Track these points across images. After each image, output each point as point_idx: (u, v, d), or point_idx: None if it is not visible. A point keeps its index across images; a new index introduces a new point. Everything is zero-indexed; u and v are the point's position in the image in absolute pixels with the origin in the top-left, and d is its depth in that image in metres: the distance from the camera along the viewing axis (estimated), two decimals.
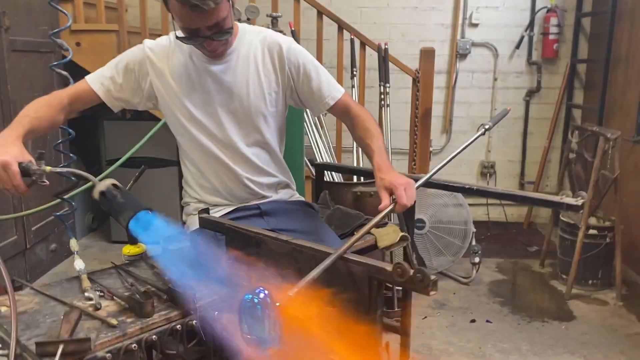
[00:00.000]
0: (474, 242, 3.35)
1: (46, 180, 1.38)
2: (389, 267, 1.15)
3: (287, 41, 1.69)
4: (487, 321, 2.81)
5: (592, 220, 3.21)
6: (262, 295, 0.97)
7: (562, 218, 3.28)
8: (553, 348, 2.54)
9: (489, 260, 3.64)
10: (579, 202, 1.72)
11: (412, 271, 1.11)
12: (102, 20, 3.42)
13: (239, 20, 2.87)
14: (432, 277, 1.09)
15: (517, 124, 4.44)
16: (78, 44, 3.38)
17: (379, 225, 2.10)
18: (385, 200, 1.42)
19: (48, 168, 1.38)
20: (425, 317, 2.84)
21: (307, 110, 1.88)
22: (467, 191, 1.89)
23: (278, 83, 1.70)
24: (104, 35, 3.39)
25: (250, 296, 0.97)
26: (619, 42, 3.70)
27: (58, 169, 1.47)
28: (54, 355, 1.16)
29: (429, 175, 1.65)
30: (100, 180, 1.44)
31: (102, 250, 3.69)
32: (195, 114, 1.67)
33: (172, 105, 1.69)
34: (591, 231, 3.11)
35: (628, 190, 3.39)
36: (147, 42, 1.70)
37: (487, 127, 1.84)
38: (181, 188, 1.94)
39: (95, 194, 1.43)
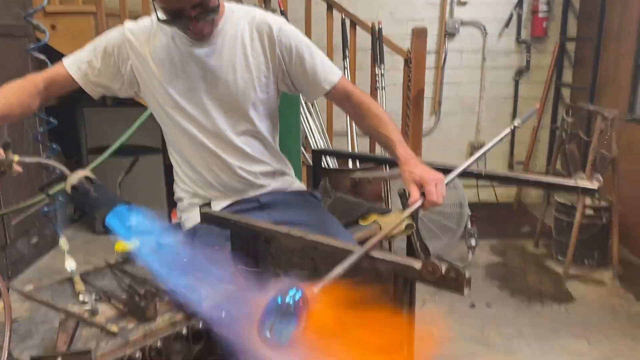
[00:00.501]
0: (469, 225, 3.31)
1: (19, 169, 1.30)
2: (417, 265, 1.06)
3: (277, 22, 1.56)
4: (487, 305, 2.77)
5: (587, 201, 3.18)
6: (297, 296, 0.87)
7: (557, 199, 3.25)
8: (556, 331, 2.52)
9: (483, 242, 3.60)
10: (595, 185, 1.67)
11: (444, 269, 1.03)
12: (78, 2, 3.24)
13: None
14: (467, 275, 1.02)
15: (506, 103, 4.39)
16: (53, 27, 3.20)
17: (382, 212, 2.03)
18: (415, 194, 1.32)
19: (16, 157, 1.29)
20: (424, 302, 2.78)
21: (302, 95, 1.74)
22: (487, 178, 1.78)
23: (268, 67, 1.57)
24: (81, 17, 3.22)
25: (282, 297, 0.87)
26: (610, 20, 3.66)
27: (27, 159, 1.35)
28: None
29: (459, 171, 1.50)
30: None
31: (86, 242, 3.54)
32: (180, 102, 1.55)
33: (154, 92, 1.57)
34: (587, 211, 3.08)
35: (621, 170, 3.37)
36: (128, 23, 1.57)
37: (516, 124, 1.72)
38: (167, 177, 1.82)
39: (67, 188, 1.31)
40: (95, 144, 3.57)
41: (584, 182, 1.67)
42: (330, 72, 1.57)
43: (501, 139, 1.75)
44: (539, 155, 4.49)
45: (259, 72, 1.55)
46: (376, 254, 1.12)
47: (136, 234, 1.34)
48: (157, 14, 1.42)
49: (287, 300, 0.89)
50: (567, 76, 4.30)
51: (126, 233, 1.32)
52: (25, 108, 1.49)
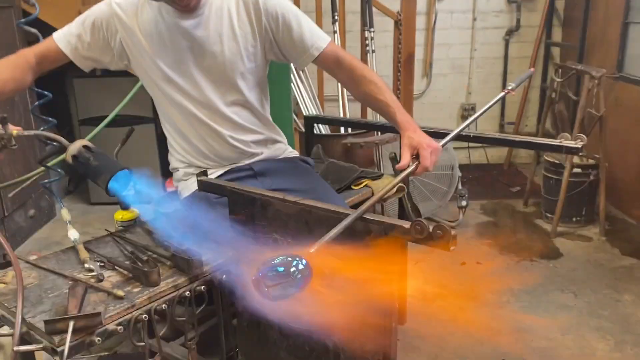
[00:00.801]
0: (460, 187, 3.37)
1: (15, 143, 1.33)
2: (406, 225, 1.12)
3: None
4: (478, 263, 2.86)
5: (575, 159, 3.24)
6: (301, 266, 0.92)
7: (546, 158, 3.31)
8: (544, 286, 2.61)
9: (474, 203, 3.68)
10: (579, 144, 1.72)
11: (431, 227, 1.09)
12: None
13: None
14: (453, 232, 1.07)
15: (497, 64, 4.40)
16: None
17: (374, 177, 2.09)
18: (406, 159, 1.37)
19: (15, 131, 1.33)
20: (417, 262, 2.86)
21: (291, 63, 1.75)
22: (463, 139, 1.83)
23: (255, 37, 1.58)
24: None
25: (285, 267, 0.92)
26: None
27: (26, 132, 1.38)
28: (65, 332, 1.12)
29: (453, 135, 1.53)
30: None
31: (82, 213, 3.59)
32: (169, 74, 1.57)
33: (144, 65, 1.58)
34: (575, 170, 3.15)
35: (608, 128, 3.42)
36: None
37: (510, 87, 1.75)
38: (160, 146, 1.85)
39: (68, 158, 1.35)
40: (86, 114, 3.57)
41: (568, 142, 1.72)
42: (318, 37, 1.57)
43: (495, 102, 1.79)
44: (530, 115, 4.54)
45: (246, 42, 1.56)
46: (369, 215, 1.17)
47: (138, 197, 1.39)
48: None
49: (291, 270, 0.93)
50: (557, 35, 4.31)
51: (128, 198, 1.37)
52: (19, 83, 1.51)
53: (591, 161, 3.19)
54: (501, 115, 4.53)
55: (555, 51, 4.32)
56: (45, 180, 2.35)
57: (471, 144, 4.42)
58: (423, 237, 1.11)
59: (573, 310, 2.40)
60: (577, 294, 2.53)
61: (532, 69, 2.04)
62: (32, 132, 1.43)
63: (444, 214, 3.46)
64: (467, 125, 1.62)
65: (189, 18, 1.52)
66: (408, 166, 1.38)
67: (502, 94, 1.81)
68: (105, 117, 2.99)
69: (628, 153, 3.34)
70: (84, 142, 1.36)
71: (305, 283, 0.94)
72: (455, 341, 2.22)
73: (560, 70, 3.40)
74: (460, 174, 3.35)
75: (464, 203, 3.33)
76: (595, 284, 2.61)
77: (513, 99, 4.44)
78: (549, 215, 3.29)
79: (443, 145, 1.46)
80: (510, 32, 4.29)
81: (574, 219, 3.24)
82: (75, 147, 1.34)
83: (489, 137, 1.93)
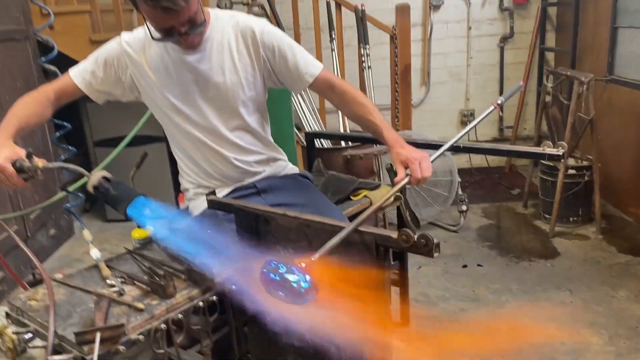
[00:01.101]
0: (459, 191, 3.49)
1: (40, 174, 1.45)
2: (394, 235, 1.25)
3: (259, 24, 1.70)
4: (478, 265, 2.97)
5: (571, 161, 3.36)
6: (305, 283, 1.07)
7: (542, 160, 3.41)
8: (541, 284, 2.72)
9: (475, 206, 3.80)
10: (560, 151, 1.84)
11: (416, 237, 1.21)
12: (73, 2, 3.37)
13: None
14: (435, 240, 1.20)
15: (493, 70, 4.53)
16: (51, 27, 3.34)
17: (372, 187, 2.22)
18: (402, 173, 1.51)
19: (40, 164, 1.45)
20: (420, 267, 2.99)
21: (288, 89, 1.89)
22: (453, 149, 1.96)
23: (254, 67, 1.72)
24: (77, 16, 3.36)
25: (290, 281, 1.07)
26: None
27: (50, 165, 1.53)
28: (92, 342, 1.26)
29: (445, 148, 1.68)
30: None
31: (99, 230, 3.75)
32: (177, 104, 1.71)
33: (153, 96, 1.73)
34: (570, 171, 3.26)
35: (602, 129, 3.53)
36: (124, 35, 1.72)
37: (499, 101, 1.88)
38: (171, 164, 2.00)
39: (90, 188, 1.50)
40: (100, 136, 3.74)
41: (550, 150, 1.84)
42: (312, 65, 1.71)
43: (486, 116, 1.92)
44: (528, 119, 4.65)
45: (245, 73, 1.70)
46: (362, 227, 1.30)
47: (153, 220, 1.54)
48: (150, 32, 1.56)
49: (293, 283, 1.08)
50: (551, 40, 4.42)
51: (145, 220, 1.52)
52: (41, 117, 1.66)
53: (585, 162, 3.30)
54: (500, 119, 4.64)
55: (550, 56, 4.43)
56: (68, 204, 2.50)
57: None
58: (409, 246, 1.23)
59: (569, 307, 2.51)
60: (573, 292, 2.64)
61: (521, 83, 2.16)
62: (56, 165, 1.58)
63: (446, 218, 3.57)
64: (458, 140, 1.76)
65: (193, 53, 1.66)
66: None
67: (492, 108, 1.94)
68: (119, 137, 3.15)
69: (623, 153, 3.44)
70: (103, 173, 1.51)
71: (307, 298, 1.08)
72: (456, 341, 2.33)
73: (551, 75, 3.52)
74: (459, 179, 3.47)
75: (464, 207, 3.45)
76: (591, 282, 2.72)
77: (511, 103, 4.56)
78: (547, 216, 3.40)
79: (433, 161, 1.58)
80: (504, 39, 4.42)
81: (572, 219, 3.35)
82: (95, 178, 1.48)
83: (477, 148, 2.06)
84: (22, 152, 1.44)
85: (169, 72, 1.68)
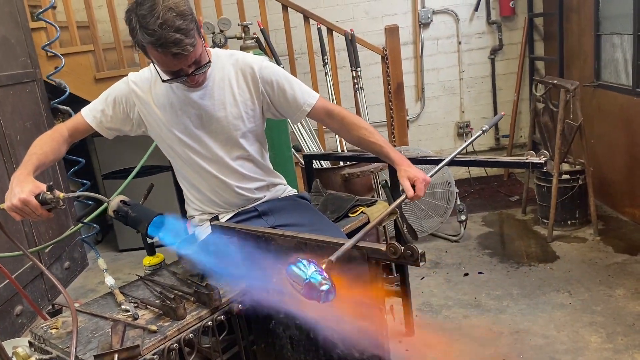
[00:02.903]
0: (458, 202, 3.58)
1: (62, 204, 1.56)
2: (383, 248, 1.35)
3: (258, 61, 1.84)
4: (479, 273, 3.05)
5: (565, 166, 3.45)
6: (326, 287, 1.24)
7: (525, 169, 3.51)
8: (541, 288, 2.79)
9: (475, 215, 3.89)
10: (542, 160, 1.94)
11: (402, 248, 1.32)
12: (76, 42, 3.52)
13: (213, 34, 3.02)
14: (420, 250, 1.30)
15: (486, 82, 4.65)
16: (57, 68, 3.50)
17: (369, 204, 2.32)
18: (410, 189, 1.68)
19: (61, 195, 1.56)
20: (423, 277, 3.07)
21: (287, 119, 2.03)
22: (455, 164, 2.10)
23: (253, 101, 1.85)
24: (81, 56, 3.50)
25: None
26: None
27: (70, 195, 1.65)
28: None
29: (440, 167, 1.87)
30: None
31: (112, 259, 3.86)
32: (182, 138, 1.83)
33: (159, 132, 1.85)
34: (564, 176, 3.35)
35: (594, 133, 3.63)
36: (131, 75, 1.85)
37: (484, 129, 2.04)
38: (177, 191, 2.12)
39: (110, 213, 1.62)
40: (108, 169, 3.88)
41: (532, 159, 1.95)
42: (309, 95, 1.85)
43: (471, 142, 2.05)
44: (523, 126, 4.74)
45: (245, 107, 1.83)
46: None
47: (172, 235, 1.65)
48: (159, 75, 1.69)
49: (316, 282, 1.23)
50: (540, 49, 4.54)
51: (167, 236, 1.63)
52: (57, 154, 1.78)
53: (579, 167, 3.39)
54: (495, 128, 4.74)
55: (540, 64, 4.55)
56: (84, 236, 2.62)
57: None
58: (397, 257, 1.33)
59: (568, 308, 2.59)
60: (572, 293, 2.71)
61: (502, 113, 2.34)
62: (76, 194, 1.70)
63: (447, 229, 3.66)
64: (449, 161, 1.91)
65: (196, 90, 1.79)
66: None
67: (479, 133, 2.08)
68: (125, 169, 3.27)
69: (615, 155, 3.53)
70: (121, 197, 1.62)
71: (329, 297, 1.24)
72: (459, 347, 2.41)
73: (539, 84, 3.63)
74: (457, 190, 3.56)
75: (463, 217, 3.54)
76: (589, 282, 2.79)
77: (505, 112, 4.64)
78: (545, 221, 3.48)
79: (431, 176, 1.75)
80: (494, 51, 4.54)
81: (569, 222, 3.43)
82: (115, 203, 1.60)
83: (466, 160, 2.17)
84: (43, 186, 1.55)
85: (174, 108, 1.80)
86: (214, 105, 1.80)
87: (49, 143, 1.76)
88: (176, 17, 1.53)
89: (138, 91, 1.82)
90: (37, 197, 1.52)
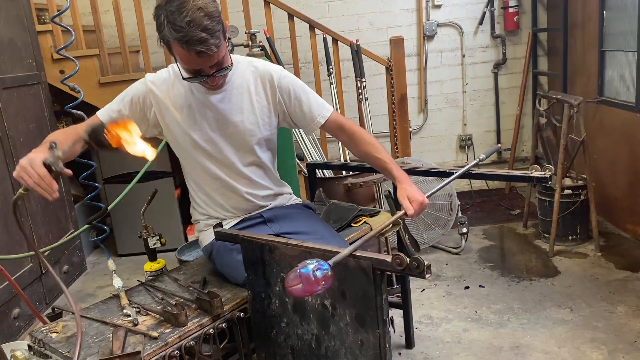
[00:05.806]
0: (459, 214, 3.58)
1: (65, 169, 1.43)
2: (388, 259, 1.35)
3: (277, 70, 1.87)
4: (480, 286, 3.04)
5: (567, 181, 3.45)
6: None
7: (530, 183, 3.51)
8: (542, 303, 2.78)
9: (476, 228, 3.88)
10: (547, 174, 1.94)
11: (408, 260, 1.31)
12: (82, 46, 3.53)
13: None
14: (426, 262, 1.29)
15: (489, 95, 4.66)
16: (62, 72, 3.51)
17: (372, 214, 2.32)
18: (410, 207, 1.68)
19: (60, 154, 1.44)
20: (423, 289, 3.06)
21: (301, 129, 2.05)
22: (443, 175, 2.11)
23: (270, 109, 1.87)
24: (86, 60, 3.51)
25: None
26: (574, 9, 3.92)
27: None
28: None
29: (439, 187, 1.90)
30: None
31: None
32: (197, 140, 1.84)
33: (175, 133, 1.86)
34: (566, 191, 3.35)
35: (597, 148, 3.64)
36: (149, 76, 1.86)
37: (481, 158, 2.05)
38: (180, 196, 2.12)
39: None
40: (110, 174, 3.87)
41: (537, 173, 1.95)
42: (323, 108, 1.89)
43: (467, 170, 2.05)
44: (525, 140, 4.75)
45: (262, 114, 1.86)
46: (358, 252, 1.40)
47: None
48: (180, 72, 1.70)
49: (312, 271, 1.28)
50: (543, 64, 4.56)
51: None
52: (71, 147, 1.70)
53: (581, 182, 3.39)
54: (498, 143, 4.74)
55: (543, 79, 4.56)
56: (95, 238, 2.61)
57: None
58: (403, 268, 1.33)
59: (569, 324, 2.57)
60: (573, 309, 2.70)
61: (499, 145, 2.37)
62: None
63: (448, 241, 3.65)
64: (447, 183, 1.92)
65: (215, 93, 1.80)
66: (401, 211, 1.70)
67: (475, 161, 2.10)
68: (127, 174, 3.26)
69: (617, 171, 3.54)
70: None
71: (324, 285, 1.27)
72: None
73: (542, 99, 3.64)
74: (459, 203, 3.56)
75: (464, 230, 3.53)
76: (591, 298, 2.78)
77: (508, 126, 4.68)
78: (546, 235, 3.47)
79: (428, 197, 1.75)
80: (497, 65, 4.56)
81: (570, 238, 3.42)
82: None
83: (469, 173, 2.15)
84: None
85: (192, 110, 1.81)
86: (231, 109, 1.82)
87: (63, 136, 1.72)
88: (204, 16, 1.54)
89: (155, 91, 1.82)
90: (43, 163, 1.41)
